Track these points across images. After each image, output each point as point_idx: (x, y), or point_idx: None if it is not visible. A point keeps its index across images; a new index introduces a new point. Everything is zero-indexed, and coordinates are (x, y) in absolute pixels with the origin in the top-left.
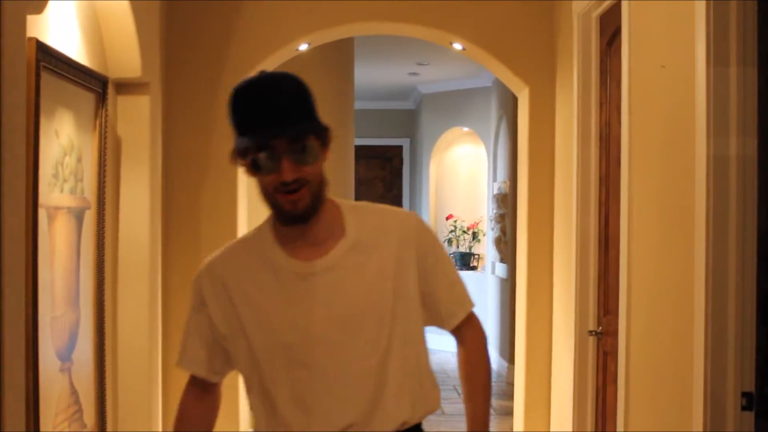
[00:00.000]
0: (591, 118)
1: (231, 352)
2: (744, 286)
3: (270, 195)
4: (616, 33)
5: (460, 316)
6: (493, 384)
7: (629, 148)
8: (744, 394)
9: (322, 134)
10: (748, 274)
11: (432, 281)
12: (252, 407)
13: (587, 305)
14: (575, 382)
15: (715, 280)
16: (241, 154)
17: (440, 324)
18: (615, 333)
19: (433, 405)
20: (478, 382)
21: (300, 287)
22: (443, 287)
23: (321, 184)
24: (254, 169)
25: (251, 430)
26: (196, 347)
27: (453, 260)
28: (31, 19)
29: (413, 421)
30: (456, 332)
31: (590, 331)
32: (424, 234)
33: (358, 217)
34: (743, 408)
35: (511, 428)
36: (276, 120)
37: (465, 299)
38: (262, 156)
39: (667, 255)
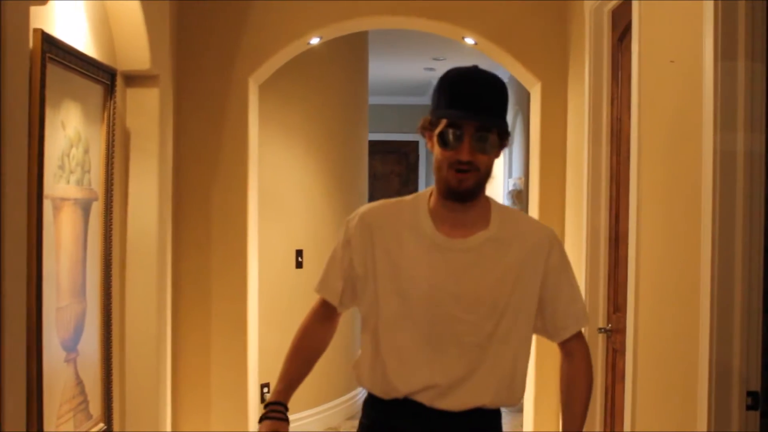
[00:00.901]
0: (602, 114)
1: (359, 291)
2: (750, 284)
3: (443, 169)
4: (628, 28)
5: (572, 331)
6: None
7: (638, 144)
8: (749, 394)
9: (503, 135)
10: (754, 272)
11: (553, 293)
12: (362, 344)
13: (597, 302)
14: None
15: (721, 278)
16: (434, 124)
17: (550, 334)
18: (624, 330)
19: (513, 401)
20: (580, 393)
21: (435, 257)
22: (563, 301)
23: (487, 175)
24: (440, 141)
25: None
26: (336, 278)
27: (576, 278)
28: (38, 11)
29: (491, 404)
30: (564, 345)
31: (600, 329)
32: (555, 248)
33: (502, 216)
34: (748, 407)
35: (521, 426)
36: (485, 108)
37: (581, 317)
38: (452, 131)
39: (674, 252)
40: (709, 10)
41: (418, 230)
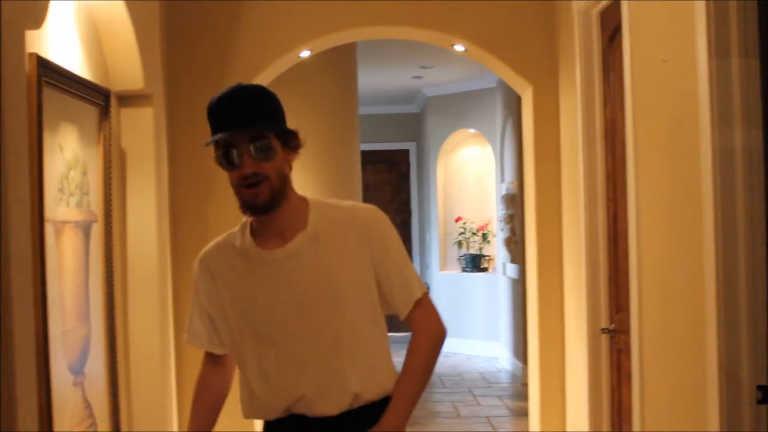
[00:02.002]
0: (595, 115)
1: (219, 329)
2: (755, 278)
3: (236, 189)
4: (617, 29)
5: (408, 306)
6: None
7: (634, 144)
8: (759, 388)
9: (284, 136)
10: (758, 266)
11: (384, 272)
12: (239, 379)
13: (599, 303)
14: (589, 381)
15: (726, 273)
16: (216, 153)
17: (397, 313)
18: (628, 330)
19: (385, 387)
20: (410, 370)
21: (264, 272)
22: (394, 276)
23: (281, 180)
24: (225, 165)
25: None
26: (196, 323)
27: (405, 251)
28: (31, 35)
29: (365, 397)
30: (408, 320)
31: (603, 329)
32: (378, 227)
33: (321, 212)
34: (759, 401)
35: (527, 429)
36: (239, 121)
37: (413, 288)
38: (230, 152)
39: (676, 249)
40: (701, 8)
41: (245, 252)
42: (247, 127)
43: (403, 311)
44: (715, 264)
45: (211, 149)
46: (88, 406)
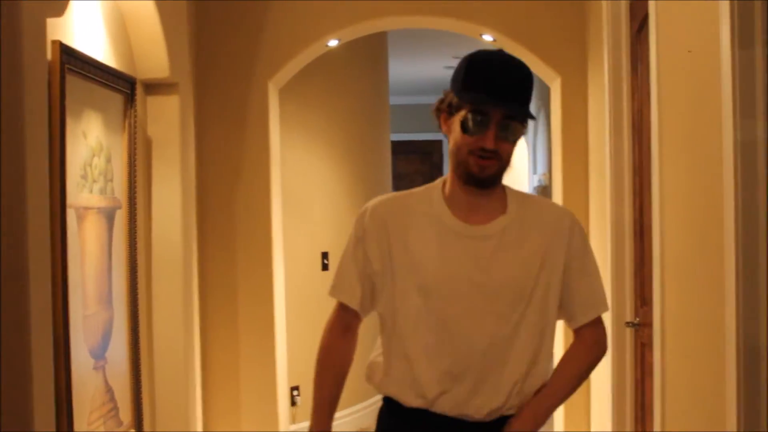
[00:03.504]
0: (623, 107)
1: (377, 290)
2: None
3: (463, 154)
4: (646, 20)
5: (590, 318)
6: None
7: (659, 135)
8: None
9: (526, 123)
10: None
11: (574, 279)
12: (382, 347)
13: (623, 296)
14: (613, 374)
15: (746, 267)
16: (456, 108)
17: (568, 320)
18: (652, 324)
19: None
20: (565, 372)
21: (456, 246)
22: (584, 287)
23: (508, 163)
24: (463, 126)
25: (295, 428)
26: (352, 278)
27: (597, 264)
28: (56, 23)
29: (515, 401)
30: (577, 331)
31: (627, 323)
32: (577, 232)
33: (520, 201)
34: None
35: (552, 420)
36: (512, 95)
37: (600, 303)
38: (476, 117)
39: (698, 243)
40: None
41: (435, 219)
42: (520, 106)
43: (579, 321)
44: (735, 257)
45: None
46: (109, 390)
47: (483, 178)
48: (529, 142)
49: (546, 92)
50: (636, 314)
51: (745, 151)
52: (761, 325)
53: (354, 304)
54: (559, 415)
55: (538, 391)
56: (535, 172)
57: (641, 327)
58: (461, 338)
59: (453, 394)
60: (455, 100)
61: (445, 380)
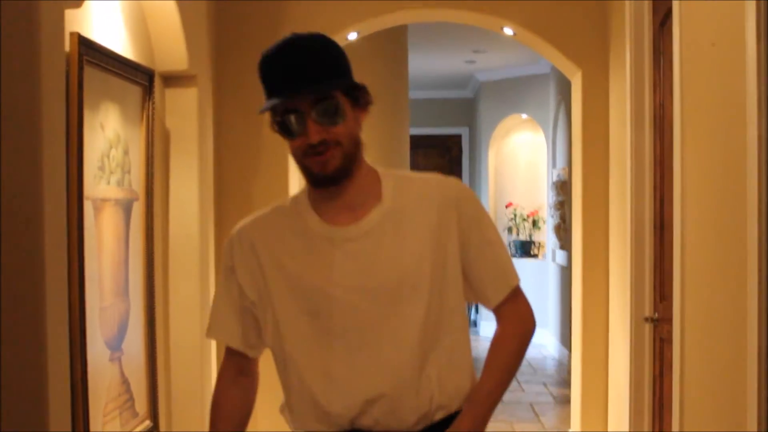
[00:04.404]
0: (645, 101)
1: (260, 321)
2: None
3: (300, 159)
4: (669, 13)
5: (504, 293)
6: (522, 371)
7: (681, 129)
8: None
9: (353, 93)
10: None
11: (474, 255)
12: (281, 382)
13: (643, 291)
14: (632, 370)
15: None
16: (272, 118)
17: (483, 301)
18: (671, 319)
19: (465, 390)
20: (499, 358)
21: (332, 253)
22: (489, 260)
23: (354, 145)
24: (284, 133)
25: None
26: (228, 315)
27: (497, 230)
28: (75, 15)
29: (451, 409)
30: (497, 311)
31: (646, 318)
32: (467, 203)
33: (396, 184)
34: None
35: (569, 416)
36: (297, 79)
37: (510, 274)
38: (289, 119)
39: (721, 238)
40: None
41: (304, 229)
42: (308, 87)
43: (494, 300)
44: (758, 253)
45: (262, 117)
46: (125, 381)
47: (330, 173)
48: (548, 137)
49: (566, 86)
50: (655, 309)
51: None
52: None
53: (235, 343)
54: (575, 412)
55: (477, 384)
56: (554, 167)
57: (660, 322)
58: (364, 354)
59: (370, 415)
60: (266, 112)
61: (355, 405)
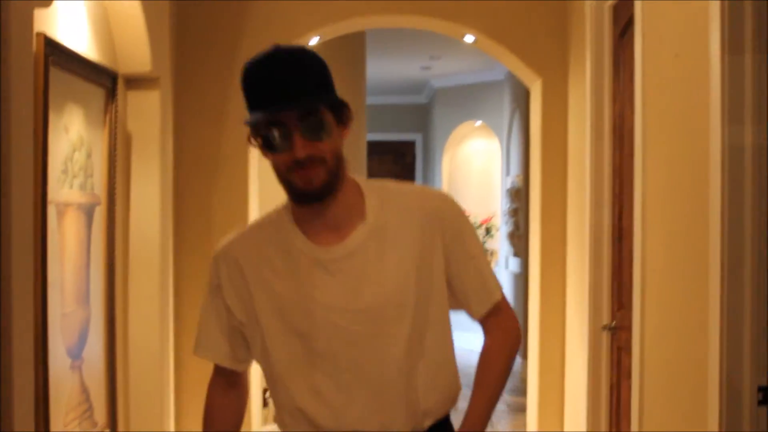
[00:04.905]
0: (604, 110)
1: (248, 339)
2: (759, 278)
3: (283, 175)
4: (629, 24)
5: (487, 306)
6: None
7: (643, 139)
8: (760, 389)
9: (337, 109)
10: (763, 266)
11: (457, 269)
12: (272, 397)
13: (601, 300)
14: (589, 378)
15: (730, 272)
16: (253, 132)
17: (468, 313)
18: (629, 328)
19: (452, 398)
20: (489, 374)
21: (318, 274)
22: (471, 273)
23: (338, 161)
24: (267, 148)
25: (268, 428)
26: (215, 333)
27: (482, 245)
28: (40, 15)
29: (440, 415)
30: (482, 322)
31: (604, 326)
32: (451, 215)
33: (379, 198)
34: (759, 402)
35: (524, 425)
36: (284, 93)
37: (492, 288)
38: (273, 133)
39: (681, 247)
40: (715, 3)
41: (290, 248)
42: (295, 102)
43: (478, 312)
44: (720, 263)
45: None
46: (85, 390)
47: (314, 190)
48: (502, 144)
49: (520, 94)
50: (613, 317)
51: (732, 156)
52: (744, 331)
53: (224, 362)
54: (532, 420)
55: (471, 399)
56: (508, 174)
57: (618, 330)
58: (351, 374)
59: (363, 429)
60: (248, 125)
61: (346, 423)
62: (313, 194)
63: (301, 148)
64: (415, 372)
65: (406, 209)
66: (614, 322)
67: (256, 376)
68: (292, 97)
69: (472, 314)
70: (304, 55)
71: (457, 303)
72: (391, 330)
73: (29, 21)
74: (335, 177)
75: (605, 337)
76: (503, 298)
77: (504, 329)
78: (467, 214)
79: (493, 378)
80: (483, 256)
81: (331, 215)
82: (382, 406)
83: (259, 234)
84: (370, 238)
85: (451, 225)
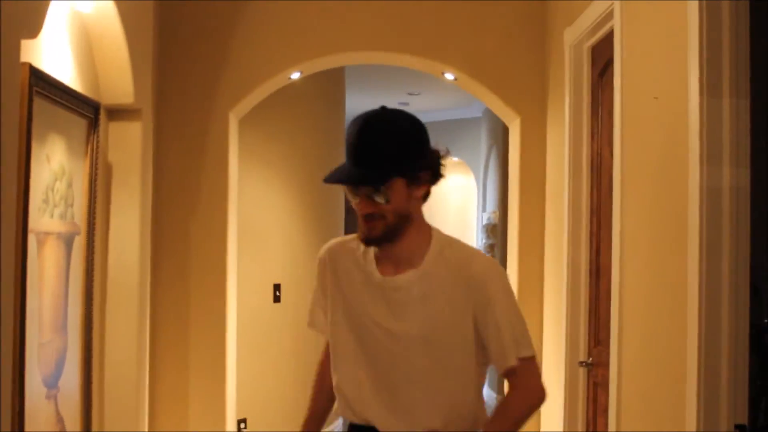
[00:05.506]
0: (582, 149)
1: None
2: (737, 317)
3: (358, 217)
4: (608, 64)
5: (509, 363)
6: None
7: (621, 178)
8: (737, 427)
9: (411, 173)
10: (741, 306)
11: (483, 330)
12: (332, 370)
13: (578, 336)
14: (565, 414)
15: (708, 311)
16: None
17: (494, 366)
18: (606, 364)
19: (469, 425)
20: (498, 418)
21: (374, 294)
22: (499, 334)
23: (398, 218)
24: (350, 197)
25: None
26: (317, 310)
27: (514, 308)
28: (25, 44)
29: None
30: (505, 376)
31: (581, 362)
32: (486, 282)
33: (440, 249)
34: None
35: None
36: (356, 160)
37: (517, 347)
38: (348, 189)
39: (659, 285)
40: (693, 47)
41: (364, 268)
42: (359, 177)
43: (499, 367)
44: (698, 302)
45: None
46: (60, 420)
47: (372, 239)
48: (478, 180)
49: (498, 131)
50: (589, 354)
51: (710, 197)
52: (722, 369)
53: (325, 333)
54: None
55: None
56: (484, 210)
57: (594, 366)
58: (386, 379)
59: (376, 420)
60: None
61: (369, 414)
62: (371, 242)
63: (364, 207)
64: (426, 398)
65: (456, 266)
66: (591, 359)
67: (231, 409)
68: (361, 164)
69: (496, 367)
70: (390, 126)
71: (488, 357)
72: (414, 359)
73: (16, 51)
74: (394, 231)
75: (582, 373)
76: (527, 359)
77: (524, 387)
78: (509, 282)
79: (501, 422)
80: (509, 321)
81: (395, 254)
82: (397, 417)
83: (351, 247)
84: (418, 281)
85: (484, 294)
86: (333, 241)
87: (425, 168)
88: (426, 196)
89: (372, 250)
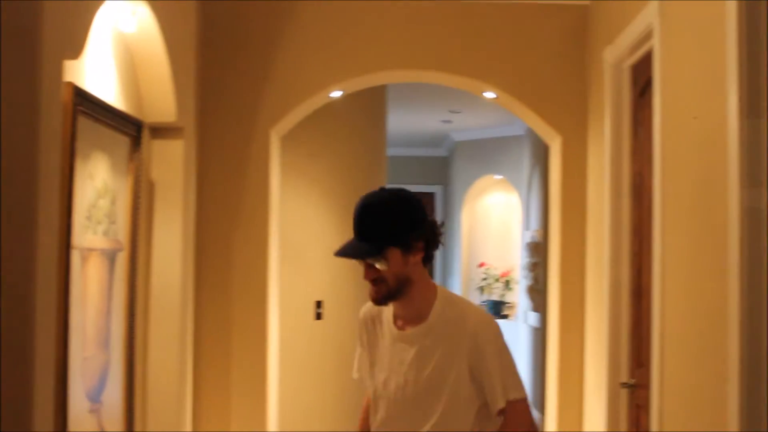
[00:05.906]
0: (623, 168)
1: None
2: None
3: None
4: (648, 83)
5: (499, 405)
6: None
7: (661, 199)
8: None
9: (403, 244)
10: None
11: (483, 372)
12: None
13: (619, 357)
14: None
15: (750, 333)
16: None
17: (489, 406)
18: (648, 386)
19: None
20: None
21: (393, 345)
22: (492, 378)
23: (398, 281)
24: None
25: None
26: (361, 364)
27: (505, 357)
28: (69, 64)
29: None
30: (499, 416)
31: (623, 384)
32: (482, 332)
33: (444, 307)
34: None
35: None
36: (357, 233)
37: (505, 390)
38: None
39: (700, 307)
40: (733, 67)
41: (387, 323)
42: (357, 251)
43: (492, 407)
44: (739, 324)
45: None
46: None
47: (376, 300)
48: (522, 198)
49: (541, 150)
50: (632, 375)
51: (750, 218)
52: (763, 392)
53: (366, 385)
54: (551, 416)
55: None
56: (527, 228)
57: (637, 388)
58: (397, 418)
59: None
60: None
61: None
62: (378, 302)
63: (368, 273)
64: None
65: (455, 320)
66: (633, 380)
67: (273, 427)
68: (362, 238)
69: (491, 407)
70: (383, 206)
71: (485, 398)
72: (418, 402)
73: (59, 73)
74: (396, 291)
75: (624, 395)
76: (516, 401)
77: (513, 424)
78: (500, 333)
79: None
80: (499, 369)
81: (404, 311)
82: None
83: (380, 307)
84: (426, 334)
85: (477, 346)
86: (368, 304)
87: (418, 238)
88: (427, 260)
89: (390, 309)
